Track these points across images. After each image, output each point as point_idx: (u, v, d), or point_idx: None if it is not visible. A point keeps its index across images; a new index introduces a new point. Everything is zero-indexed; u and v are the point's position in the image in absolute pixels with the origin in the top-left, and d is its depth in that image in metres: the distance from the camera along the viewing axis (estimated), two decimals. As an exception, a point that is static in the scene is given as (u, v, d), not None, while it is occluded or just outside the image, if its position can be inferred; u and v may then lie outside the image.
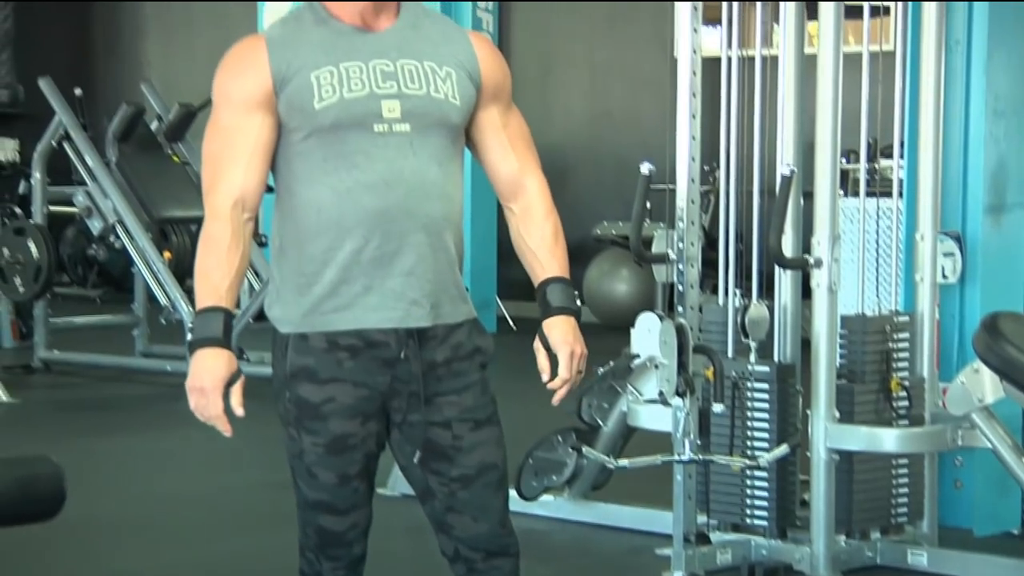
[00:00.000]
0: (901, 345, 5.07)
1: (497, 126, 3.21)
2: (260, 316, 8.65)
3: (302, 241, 3.11)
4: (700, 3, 5.10)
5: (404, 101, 3.09)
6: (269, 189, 3.18)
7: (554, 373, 3.17)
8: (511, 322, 10.64)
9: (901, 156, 5.32)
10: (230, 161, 3.07)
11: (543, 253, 3.23)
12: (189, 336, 3.06)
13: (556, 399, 3.21)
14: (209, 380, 3.02)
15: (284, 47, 3.09)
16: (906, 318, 5.11)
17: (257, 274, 8.92)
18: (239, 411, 3.04)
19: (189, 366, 3.06)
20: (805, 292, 5.04)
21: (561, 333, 3.18)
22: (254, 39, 3.14)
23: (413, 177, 3.09)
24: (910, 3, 5.18)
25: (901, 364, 5.06)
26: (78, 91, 9.73)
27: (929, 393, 5.08)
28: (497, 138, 3.21)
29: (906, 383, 5.02)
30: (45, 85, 9.19)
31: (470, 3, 10.73)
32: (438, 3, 10.39)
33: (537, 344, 3.18)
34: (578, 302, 3.22)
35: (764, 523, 5.02)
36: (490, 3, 10.94)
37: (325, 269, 3.09)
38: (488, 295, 10.47)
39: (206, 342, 3.03)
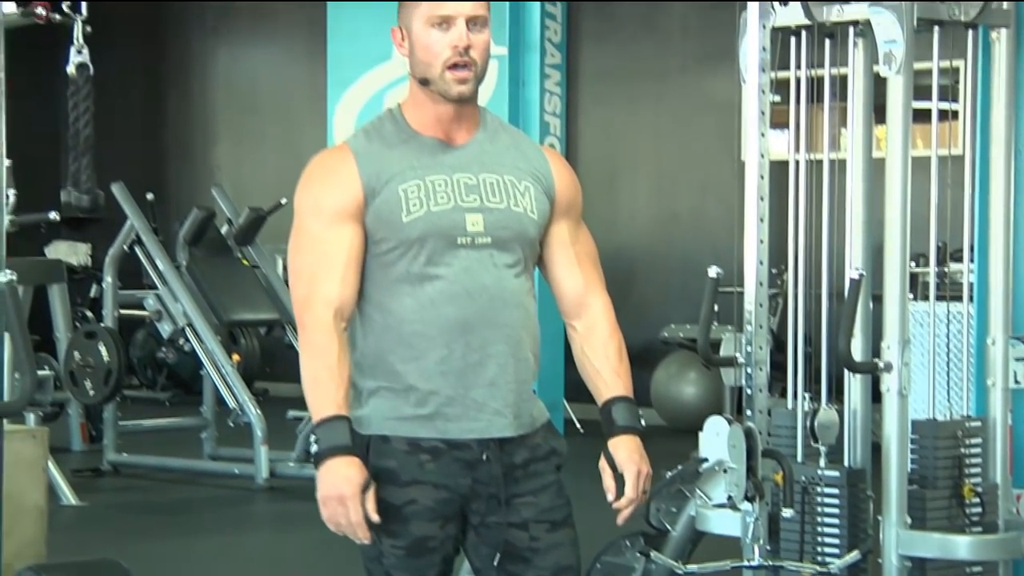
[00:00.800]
0: (973, 451, 5.01)
1: (566, 242, 3.24)
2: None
3: (384, 351, 3.13)
4: (767, 107, 5.11)
5: (487, 214, 3.13)
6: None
7: (620, 492, 3.16)
8: (578, 424, 10.61)
9: (971, 260, 5.29)
10: (326, 272, 3.10)
11: (607, 372, 3.23)
12: (315, 447, 3.08)
13: (621, 519, 3.21)
14: (348, 488, 3.02)
15: (372, 159, 3.13)
16: (978, 423, 5.05)
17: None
18: (375, 517, 3.04)
19: (319, 477, 3.05)
20: (875, 396, 5.00)
21: (627, 452, 3.19)
22: (341, 150, 3.17)
23: (494, 288, 3.12)
24: (979, 107, 5.17)
25: (973, 470, 5.00)
26: (150, 196, 9.85)
27: (1003, 499, 5.01)
28: (565, 254, 3.24)
29: (979, 489, 4.96)
30: (118, 190, 9.31)
31: (538, 108, 10.81)
32: (506, 109, 10.48)
33: (603, 463, 3.19)
34: (642, 422, 3.24)
35: (835, 631, 4.94)
36: (558, 106, 11.01)
37: (408, 379, 3.11)
38: (556, 397, 10.45)
39: (336, 451, 3.04)
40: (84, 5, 3.55)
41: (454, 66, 3.10)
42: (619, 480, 3.17)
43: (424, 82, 3.15)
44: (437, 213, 3.11)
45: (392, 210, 3.10)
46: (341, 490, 3.02)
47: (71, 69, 3.64)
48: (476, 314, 3.11)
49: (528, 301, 3.18)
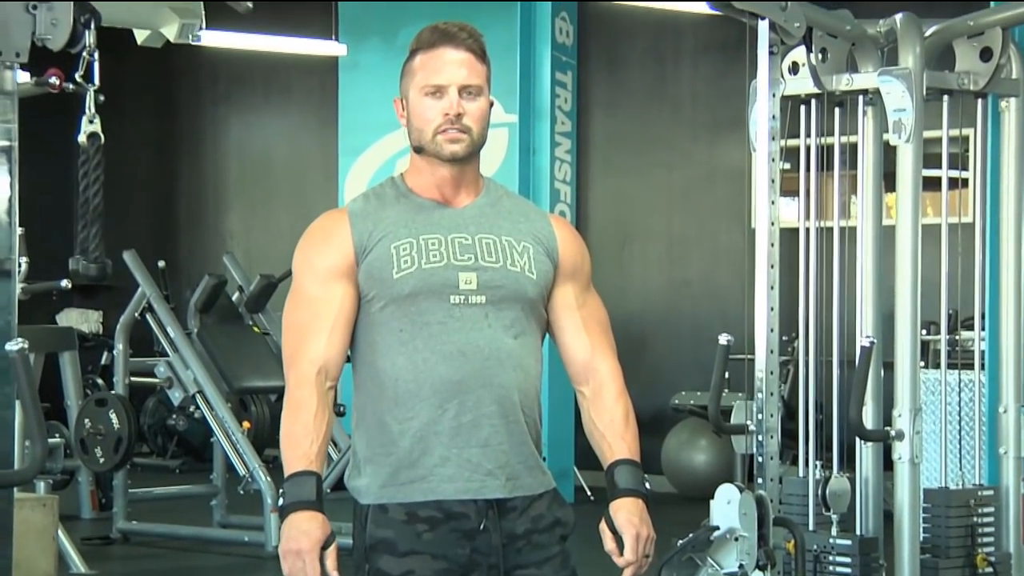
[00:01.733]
0: (986, 519, 4.99)
1: (572, 306, 3.24)
2: (338, 486, 8.66)
3: (380, 411, 3.13)
4: (777, 175, 5.12)
5: (481, 273, 3.13)
6: (347, 359, 3.21)
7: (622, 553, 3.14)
8: (588, 491, 10.57)
9: (982, 328, 5.28)
10: (314, 330, 3.11)
11: (612, 435, 3.22)
12: (281, 501, 3.07)
13: None
14: (306, 542, 3.02)
15: (365, 219, 3.15)
16: (990, 492, 5.04)
17: (335, 444, 8.93)
18: (334, 574, 3.03)
19: (282, 531, 3.06)
20: (887, 464, 4.99)
21: (626, 515, 3.15)
22: (337, 213, 3.20)
23: (488, 348, 3.11)
24: (989, 175, 5.19)
25: (986, 539, 4.98)
26: (161, 263, 9.88)
27: (1015, 569, 4.98)
28: (571, 318, 3.24)
29: (992, 558, 4.93)
30: (129, 258, 9.34)
31: (548, 175, 10.84)
32: (515, 184, 10.52)
33: (603, 526, 3.17)
34: (647, 485, 3.21)
35: None
36: (568, 174, 11.04)
37: (402, 439, 3.11)
38: (566, 464, 10.42)
39: (300, 505, 3.04)
40: (97, 74, 3.57)
41: (445, 131, 3.13)
42: (619, 543, 3.14)
43: (419, 149, 3.18)
44: (429, 270, 3.12)
45: (383, 267, 3.12)
46: (300, 544, 3.01)
47: (82, 138, 3.66)
48: (470, 374, 3.10)
49: (528, 363, 3.17)
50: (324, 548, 3.03)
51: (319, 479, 3.07)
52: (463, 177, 3.19)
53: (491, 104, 3.19)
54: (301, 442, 3.07)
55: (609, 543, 3.15)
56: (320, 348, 3.11)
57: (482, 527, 3.11)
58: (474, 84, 3.15)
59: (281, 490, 3.08)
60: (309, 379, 3.09)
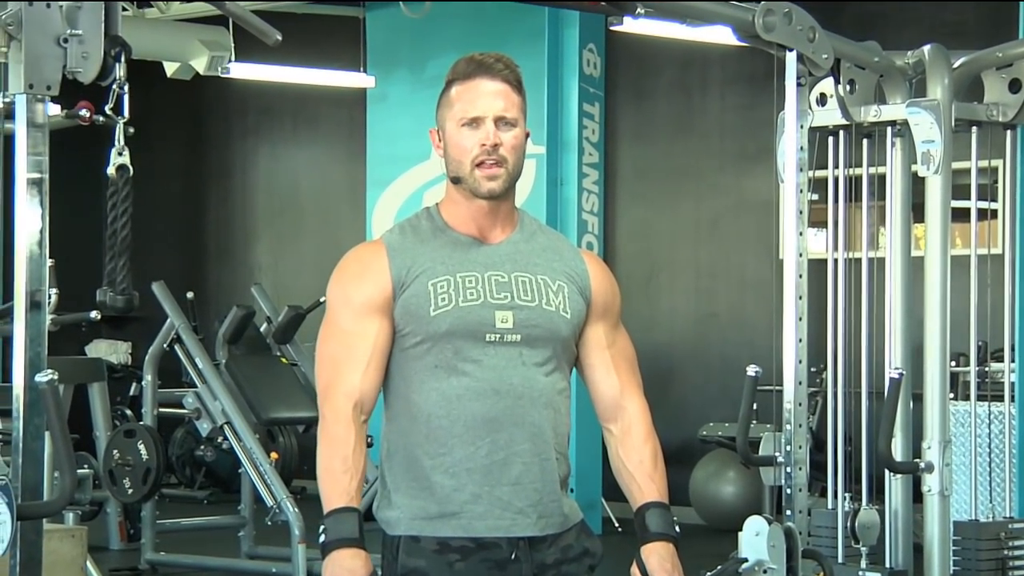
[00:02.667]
0: (1017, 552, 4.96)
1: (602, 344, 3.24)
2: (365, 517, 8.65)
3: (411, 445, 3.14)
4: (806, 206, 5.12)
5: (517, 312, 3.14)
6: (379, 390, 3.21)
7: None
8: (616, 523, 10.55)
9: (1012, 359, 5.26)
10: (349, 364, 3.12)
11: (641, 476, 3.22)
12: (322, 537, 3.08)
13: None
14: None
15: (403, 254, 3.16)
16: (1021, 524, 5.01)
17: (363, 476, 8.94)
18: None
19: (324, 568, 3.06)
20: (916, 496, 4.96)
21: (659, 560, 3.16)
22: (374, 245, 3.20)
23: (522, 386, 3.12)
24: (1018, 205, 5.17)
25: (1017, 572, 4.95)
26: (190, 295, 9.91)
27: (1047, 601, 4.95)
28: (601, 357, 3.24)
29: (1023, 591, 4.90)
30: (158, 289, 9.37)
31: (575, 206, 10.85)
32: (543, 216, 10.53)
33: (634, 570, 3.17)
34: (676, 528, 3.22)
35: None
36: (595, 205, 11.04)
37: (434, 475, 3.11)
38: (594, 496, 10.40)
39: (343, 543, 3.05)
40: (127, 107, 3.59)
41: (482, 164, 3.13)
42: None
43: (456, 180, 3.18)
44: (465, 308, 3.12)
45: (420, 304, 3.12)
46: None
47: (111, 170, 3.67)
48: (503, 412, 3.11)
49: (559, 401, 3.18)
50: None
51: (360, 515, 3.08)
52: (499, 211, 3.20)
53: (527, 135, 3.20)
54: (340, 478, 3.08)
55: None
56: (355, 382, 3.11)
57: (513, 557, 3.12)
58: (511, 116, 3.16)
59: (322, 526, 3.08)
60: (346, 414, 3.10)
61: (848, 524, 4.94)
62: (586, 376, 3.26)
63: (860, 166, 5.25)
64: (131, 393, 12.69)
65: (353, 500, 3.07)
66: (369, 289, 3.14)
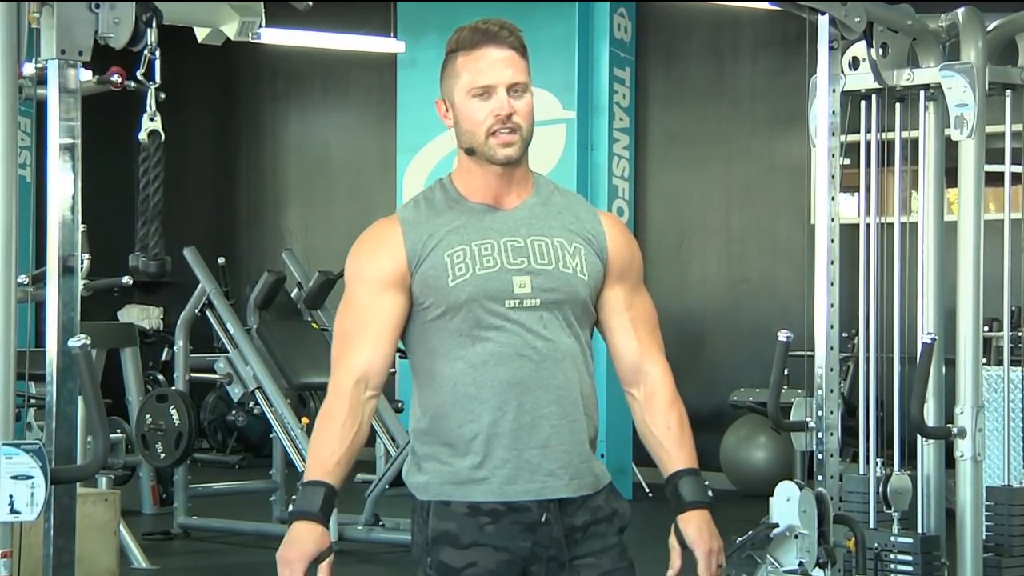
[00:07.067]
0: (1049, 517, 4.95)
1: (621, 307, 3.24)
2: (395, 482, 8.67)
3: (439, 414, 3.16)
4: (838, 171, 5.10)
5: (534, 276, 3.14)
6: (403, 355, 3.22)
7: (684, 570, 3.15)
8: (647, 488, 10.56)
9: (1045, 323, 5.24)
10: (358, 339, 3.15)
11: (670, 443, 3.23)
12: (290, 507, 3.11)
13: None
14: (296, 552, 3.07)
15: (418, 228, 3.17)
16: (1054, 489, 5.00)
17: (394, 439, 8.96)
18: None
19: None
20: (949, 461, 4.95)
21: (697, 530, 3.18)
22: (388, 221, 3.22)
23: (545, 349, 3.13)
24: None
25: (1050, 536, 4.94)
26: (221, 260, 9.93)
27: (1080, 566, 4.94)
28: (620, 320, 3.24)
29: (1055, 556, 4.89)
30: (190, 255, 9.39)
31: (606, 171, 10.83)
32: (573, 183, 10.51)
33: (673, 541, 3.18)
34: (709, 493, 3.23)
35: None
36: (626, 170, 11.03)
37: (462, 442, 3.13)
38: (624, 461, 10.42)
39: (302, 515, 3.09)
40: (158, 72, 3.60)
41: (496, 132, 3.13)
42: (689, 558, 3.15)
43: (470, 151, 3.19)
44: (483, 276, 3.13)
45: (438, 275, 3.13)
46: (291, 553, 3.07)
47: (143, 136, 3.68)
48: (528, 375, 3.12)
49: (582, 362, 3.18)
50: (317, 561, 3.07)
51: (331, 490, 3.11)
52: (513, 177, 3.20)
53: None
54: (321, 451, 3.13)
55: (676, 559, 3.17)
56: (362, 358, 3.14)
57: (544, 519, 3.13)
58: (520, 81, 3.16)
59: (293, 496, 3.11)
60: (344, 389, 3.13)
61: (880, 489, 4.93)
62: (607, 339, 3.27)
63: (892, 130, 5.22)
64: (163, 358, 12.75)
65: (328, 475, 3.11)
66: (384, 265, 3.16)
